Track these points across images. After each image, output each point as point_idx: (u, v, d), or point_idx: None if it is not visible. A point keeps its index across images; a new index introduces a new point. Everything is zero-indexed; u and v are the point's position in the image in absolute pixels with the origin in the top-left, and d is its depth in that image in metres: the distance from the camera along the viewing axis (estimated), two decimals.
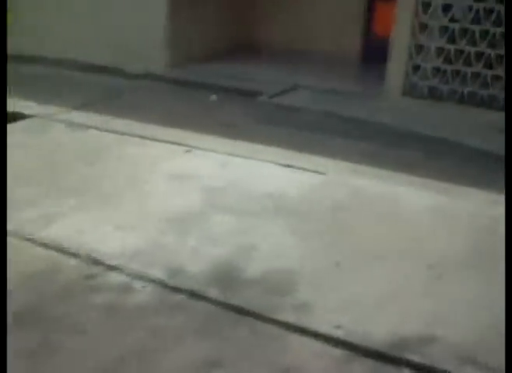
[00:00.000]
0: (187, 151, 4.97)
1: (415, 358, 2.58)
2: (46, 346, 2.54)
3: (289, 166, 4.70)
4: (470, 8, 5.74)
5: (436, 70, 6.03)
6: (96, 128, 5.47)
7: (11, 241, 3.11)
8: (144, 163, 4.65)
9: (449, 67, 5.96)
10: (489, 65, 5.81)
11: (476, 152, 5.16)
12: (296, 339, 2.70)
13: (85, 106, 6.20)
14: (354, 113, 5.76)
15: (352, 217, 3.86)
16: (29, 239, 3.38)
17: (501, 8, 5.59)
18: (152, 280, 3.04)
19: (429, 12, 5.87)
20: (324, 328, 2.75)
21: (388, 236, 3.64)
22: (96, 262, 3.19)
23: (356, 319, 2.82)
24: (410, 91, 6.17)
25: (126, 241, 3.43)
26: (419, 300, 3.02)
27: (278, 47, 8.47)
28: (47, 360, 2.47)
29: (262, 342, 2.67)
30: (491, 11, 5.65)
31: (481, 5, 5.66)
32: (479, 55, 5.82)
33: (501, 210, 4.10)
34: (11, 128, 4.87)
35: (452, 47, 5.88)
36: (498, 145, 5.27)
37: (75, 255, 3.22)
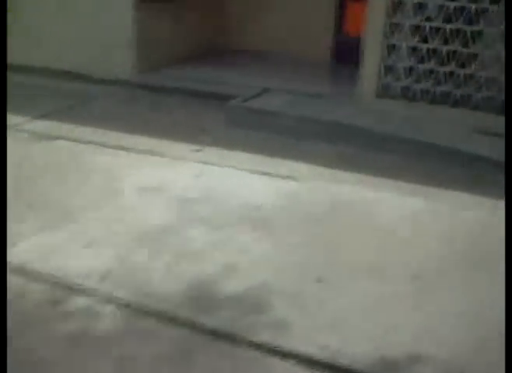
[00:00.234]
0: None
1: None
2: None
3: (264, 174, 4.56)
4: (441, 7, 5.65)
5: (409, 70, 5.93)
6: (63, 138, 5.26)
7: None
8: (114, 175, 4.46)
9: (422, 67, 5.87)
10: (461, 64, 5.74)
11: (454, 154, 5.08)
12: (277, 363, 2.55)
13: (50, 114, 5.98)
14: (328, 115, 5.63)
15: (332, 227, 3.74)
16: None
17: (472, 6, 5.52)
18: (122, 304, 2.86)
19: (401, 11, 5.76)
20: (307, 349, 2.61)
21: (370, 246, 3.52)
22: (63, 286, 3.00)
23: (342, 339, 2.69)
24: (383, 92, 6.07)
25: (95, 261, 3.25)
26: (406, 314, 2.90)
27: (250, 49, 8.34)
28: None
29: (241, 367, 2.52)
30: (462, 9, 5.57)
31: (452, 4, 5.57)
32: (452, 54, 5.74)
33: (486, 213, 4.05)
34: None
35: (425, 47, 5.78)
36: (476, 146, 5.22)
37: (39, 279, 3.03)
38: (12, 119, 5.62)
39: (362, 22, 6.21)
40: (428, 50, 5.79)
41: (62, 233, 3.55)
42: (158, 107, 6.35)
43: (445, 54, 5.75)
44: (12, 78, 7.01)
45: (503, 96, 5.64)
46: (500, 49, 5.51)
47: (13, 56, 7.10)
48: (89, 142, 5.15)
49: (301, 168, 4.72)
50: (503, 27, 5.44)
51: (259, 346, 2.61)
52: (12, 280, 2.98)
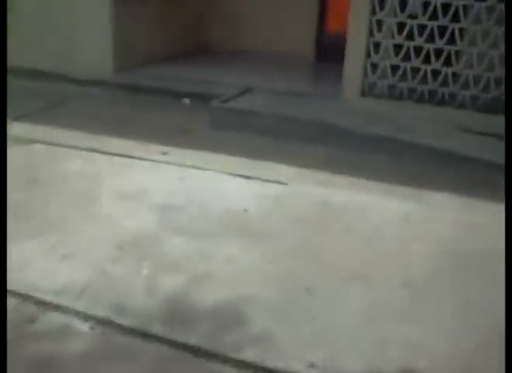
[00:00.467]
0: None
1: None
2: None
3: (248, 177, 4.42)
4: (427, 4, 5.54)
5: (395, 68, 5.82)
6: (39, 141, 5.08)
7: None
8: (92, 180, 4.29)
9: (408, 65, 5.76)
10: (448, 62, 5.64)
11: (443, 154, 4.97)
12: None
13: (26, 116, 5.78)
14: (312, 115, 5.50)
15: (320, 234, 3.60)
16: None
17: (458, 3, 5.41)
18: (99, 321, 2.70)
19: (386, 8, 5.64)
20: (293, 367, 2.47)
21: (359, 253, 3.40)
22: (38, 301, 2.84)
23: (331, 355, 2.56)
24: (369, 90, 5.96)
25: (73, 273, 3.08)
26: (397, 326, 2.77)
27: (232, 48, 8.19)
28: None
29: None
30: (448, 6, 5.46)
31: (438, 1, 5.46)
32: (438, 52, 5.63)
33: (477, 216, 3.94)
34: None
35: (411, 44, 5.67)
36: (464, 146, 5.12)
37: (11, 294, 2.85)
38: None
39: (345, 20, 6.09)
40: (414, 47, 5.68)
41: (37, 244, 3.37)
42: (137, 108, 6.18)
43: (431, 52, 5.64)
44: None
45: (487, 95, 5.55)
46: (485, 47, 5.42)
47: None
48: (66, 146, 4.97)
49: (287, 170, 4.59)
50: (488, 24, 5.35)
51: (242, 364, 2.47)
52: None
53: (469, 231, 3.77)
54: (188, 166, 4.60)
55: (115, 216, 3.73)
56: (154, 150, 4.91)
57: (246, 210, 3.83)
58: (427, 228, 3.77)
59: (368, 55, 5.85)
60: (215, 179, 4.39)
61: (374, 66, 5.89)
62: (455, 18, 5.46)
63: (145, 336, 2.62)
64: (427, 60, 5.68)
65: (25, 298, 2.87)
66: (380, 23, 5.74)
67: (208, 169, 4.54)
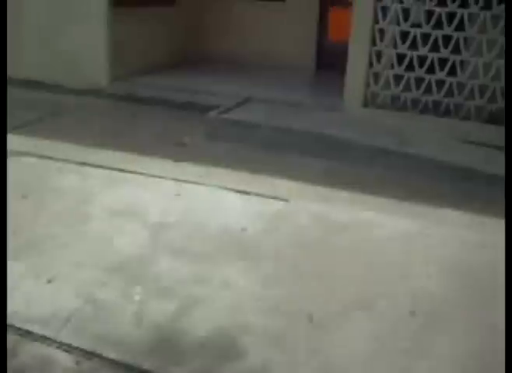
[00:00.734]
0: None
1: None
2: None
3: (246, 193, 4.24)
4: (431, 13, 5.38)
5: (399, 78, 5.65)
6: (30, 155, 4.89)
7: None
8: (83, 196, 4.11)
9: (412, 75, 5.59)
10: (453, 72, 5.47)
11: (447, 167, 4.80)
12: None
13: (19, 127, 5.60)
14: (313, 127, 5.33)
15: (322, 256, 3.41)
16: None
17: (464, 12, 5.25)
18: (85, 354, 2.51)
19: (389, 16, 5.48)
20: None
21: (363, 277, 3.21)
22: (20, 331, 2.65)
23: None
24: (371, 101, 5.79)
25: (59, 299, 2.90)
26: (405, 360, 2.58)
27: (230, 58, 8.03)
28: None
29: None
30: (453, 15, 5.30)
31: (443, 10, 5.30)
32: (443, 62, 5.47)
33: (484, 234, 3.76)
34: None
35: (415, 54, 5.51)
36: (467, 158, 4.94)
37: None
38: None
39: (346, 29, 5.94)
40: (417, 57, 5.51)
41: (22, 266, 3.19)
42: (132, 119, 6.01)
43: (435, 62, 5.48)
44: None
45: (493, 105, 5.39)
46: (491, 56, 5.25)
47: None
48: (59, 159, 4.79)
49: (287, 185, 4.41)
50: (494, 33, 5.19)
51: None
52: None
53: (476, 250, 3.59)
54: (184, 181, 4.41)
55: (106, 235, 3.54)
56: (149, 163, 4.73)
57: (244, 230, 3.65)
58: (432, 247, 3.58)
59: (370, 65, 5.70)
60: (211, 195, 4.21)
61: (377, 76, 5.74)
62: (460, 27, 5.30)
63: (135, 371, 2.42)
64: (431, 70, 5.53)
65: (7, 326, 2.67)
66: (382, 32, 5.58)
67: (204, 184, 4.36)
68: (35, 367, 2.44)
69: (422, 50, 5.49)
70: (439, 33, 5.39)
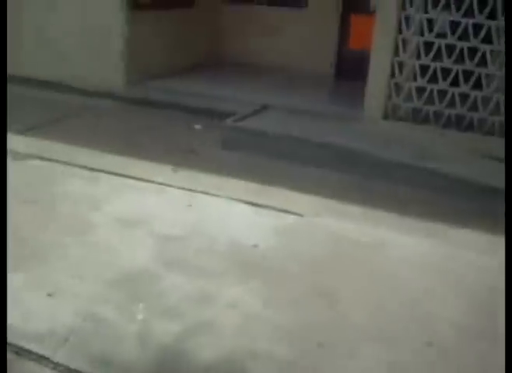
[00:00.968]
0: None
1: None
2: None
3: (260, 206, 4.08)
4: (457, 24, 5.19)
5: (421, 90, 5.46)
6: (39, 158, 4.79)
7: None
8: (90, 203, 3.98)
9: (435, 88, 5.40)
10: (478, 86, 5.27)
11: (468, 184, 4.60)
12: None
13: (32, 129, 5.52)
14: (330, 138, 5.16)
15: (335, 277, 3.24)
16: None
17: (491, 24, 5.05)
18: None
19: (413, 26, 5.30)
20: None
21: (377, 302, 3.03)
22: (17, 350, 2.51)
23: None
24: (392, 113, 5.60)
25: (58, 314, 2.76)
26: None
27: (248, 63, 7.88)
28: None
29: None
30: (480, 26, 5.11)
31: (470, 21, 5.11)
32: (468, 74, 5.27)
33: (500, 258, 3.55)
34: None
35: (438, 65, 5.32)
36: (488, 175, 4.74)
37: None
38: None
39: (367, 37, 5.77)
40: (441, 69, 5.32)
41: (23, 277, 3.05)
42: (145, 123, 5.89)
43: (460, 74, 5.28)
44: None
45: None
46: None
47: None
48: (67, 163, 4.68)
49: (301, 199, 4.25)
50: None
51: None
52: None
53: (497, 274, 3.39)
54: (196, 191, 4.27)
55: (111, 246, 3.41)
56: (160, 171, 4.60)
57: (255, 246, 3.49)
58: (451, 270, 3.40)
59: (392, 75, 5.50)
60: (223, 207, 4.06)
61: (398, 87, 5.55)
62: (487, 39, 5.10)
63: None
64: (455, 82, 5.33)
65: None
66: (405, 42, 5.40)
67: (217, 195, 4.22)
68: None
69: (447, 62, 5.29)
70: (464, 45, 5.19)
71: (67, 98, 6.54)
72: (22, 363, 2.45)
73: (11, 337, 2.53)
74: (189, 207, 3.99)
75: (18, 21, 6.88)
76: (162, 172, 4.58)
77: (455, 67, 5.28)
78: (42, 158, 4.75)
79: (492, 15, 5.04)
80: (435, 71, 5.36)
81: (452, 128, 5.44)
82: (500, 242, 3.72)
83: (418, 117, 5.54)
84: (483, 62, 5.19)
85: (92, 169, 4.57)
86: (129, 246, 3.41)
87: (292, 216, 3.97)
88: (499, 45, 5.07)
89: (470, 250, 3.65)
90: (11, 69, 6.55)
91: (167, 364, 2.48)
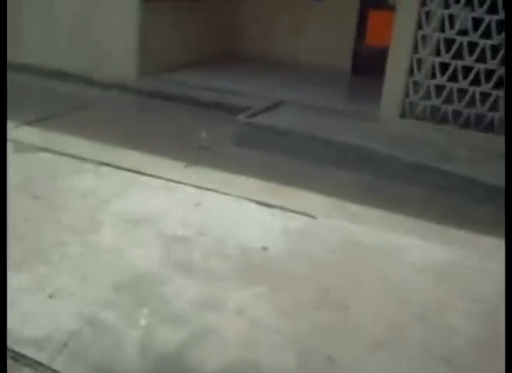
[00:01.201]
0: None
1: None
2: None
3: (271, 206, 3.95)
4: (480, 21, 5.01)
5: (440, 88, 5.29)
6: (47, 150, 4.70)
7: None
8: (96, 200, 3.87)
9: (455, 86, 5.22)
10: (499, 85, 5.09)
11: (489, 188, 4.43)
12: None
13: (40, 120, 5.42)
14: (346, 137, 5.01)
15: (348, 284, 3.11)
16: None
17: None
18: None
19: (434, 22, 5.13)
20: None
21: (391, 311, 2.90)
22: (13, 355, 2.41)
23: None
24: (409, 112, 5.44)
25: (58, 318, 2.66)
26: None
27: (263, 56, 7.73)
28: None
29: None
30: (502, 23, 4.92)
31: (493, 18, 4.93)
32: (489, 73, 5.10)
33: None
34: None
35: (459, 63, 5.14)
36: None
37: None
38: None
39: (385, 33, 5.61)
40: (462, 67, 5.15)
41: (24, 277, 2.95)
42: (156, 117, 5.77)
43: (481, 73, 5.10)
44: (11, 77, 6.50)
45: None
46: None
47: (18, 55, 6.57)
48: (76, 156, 4.58)
49: (315, 200, 4.12)
50: None
51: None
52: None
53: None
54: (205, 189, 4.15)
55: (117, 247, 3.30)
56: (170, 167, 4.49)
57: (265, 249, 3.37)
58: (472, 281, 3.26)
59: (411, 73, 5.34)
60: (233, 207, 3.94)
61: (417, 85, 5.38)
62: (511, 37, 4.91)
63: None
64: (476, 81, 5.15)
65: None
66: (425, 39, 5.23)
67: (227, 194, 4.09)
68: None
69: (468, 60, 5.12)
70: (487, 43, 5.01)
71: (76, 89, 6.45)
72: (19, 369, 2.35)
73: (7, 341, 2.43)
74: (198, 207, 3.87)
75: (26, 7, 6.80)
76: (170, 168, 4.47)
77: (476, 66, 5.10)
78: (47, 151, 4.66)
79: None
80: (455, 69, 5.19)
81: (471, 128, 5.27)
82: None
83: (436, 116, 5.37)
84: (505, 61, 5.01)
85: (99, 163, 4.47)
86: (134, 247, 3.30)
87: (304, 217, 3.84)
88: None
89: (494, 260, 3.48)
90: (19, 58, 6.52)
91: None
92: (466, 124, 5.27)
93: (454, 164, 4.76)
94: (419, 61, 5.30)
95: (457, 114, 5.29)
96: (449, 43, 5.16)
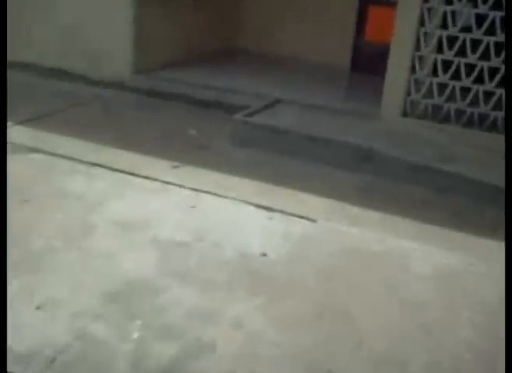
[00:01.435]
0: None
1: None
2: None
3: (271, 209, 3.82)
4: (483, 17, 4.88)
5: (443, 87, 5.16)
6: (40, 151, 4.55)
7: None
8: (88, 203, 3.74)
9: (457, 84, 5.10)
10: (503, 83, 4.96)
11: (494, 189, 4.31)
12: None
13: (33, 119, 5.27)
14: (346, 136, 4.88)
15: (351, 292, 2.99)
16: None
17: None
18: None
19: (436, 19, 4.99)
20: None
21: (396, 324, 2.78)
22: None
23: None
24: (411, 110, 5.31)
25: (46, 331, 2.53)
26: None
27: (262, 53, 7.58)
28: None
29: None
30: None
31: (497, 14, 4.79)
32: (493, 71, 4.97)
33: None
34: None
35: (462, 61, 5.01)
36: None
37: None
38: None
39: (386, 29, 5.48)
40: (465, 65, 5.02)
41: (14, 285, 2.82)
42: (153, 116, 5.63)
43: (485, 71, 4.98)
44: None
45: None
46: None
47: (11, 52, 6.39)
48: (69, 157, 4.44)
49: (315, 203, 3.99)
50: None
51: None
52: None
53: None
54: (202, 191, 4.02)
55: (109, 253, 3.16)
56: (165, 168, 4.35)
57: (264, 255, 3.24)
58: (480, 289, 3.13)
59: (413, 70, 5.21)
60: (231, 210, 3.81)
61: (419, 83, 5.25)
62: None
63: None
64: (480, 79, 5.02)
65: None
66: (427, 36, 5.10)
67: (224, 196, 3.96)
68: None
69: (471, 58, 4.99)
70: (491, 40, 4.88)
71: (72, 88, 6.30)
72: None
73: None
74: (194, 210, 3.74)
75: (21, 4, 6.64)
76: (165, 169, 4.33)
77: (480, 64, 4.97)
78: (39, 151, 4.51)
79: None
80: (458, 67, 5.06)
81: (474, 128, 5.15)
82: None
83: (438, 115, 5.25)
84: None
85: (92, 164, 4.33)
86: (128, 253, 3.17)
87: (303, 221, 3.71)
88: None
89: (499, 265, 3.36)
90: (13, 55, 6.36)
91: None
92: (469, 123, 5.15)
93: (456, 164, 4.64)
94: (421, 59, 5.17)
95: (459, 113, 5.16)
96: (452, 40, 5.03)
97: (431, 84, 5.19)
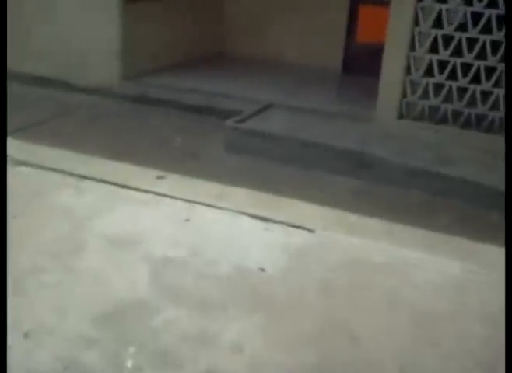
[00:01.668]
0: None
1: None
2: None
3: (267, 220, 3.68)
4: (479, 16, 4.76)
5: (439, 87, 5.05)
6: (26, 164, 4.39)
7: None
8: (77, 219, 3.59)
9: (454, 85, 4.98)
10: (500, 83, 4.86)
11: (495, 192, 4.19)
12: None
13: (19, 130, 5.10)
14: (342, 141, 4.76)
15: (353, 308, 2.86)
16: None
17: None
18: None
19: (431, 18, 4.88)
20: None
21: (402, 340, 2.65)
22: None
23: None
24: (407, 112, 5.19)
25: (33, 361, 2.39)
26: None
27: (253, 57, 7.43)
28: None
29: None
30: (503, 18, 4.68)
31: (493, 12, 4.68)
32: (490, 71, 4.86)
33: None
34: None
35: (458, 61, 4.90)
36: None
37: None
38: None
39: (377, 29, 5.36)
40: (461, 64, 4.90)
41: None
42: (142, 123, 5.48)
43: (481, 70, 4.86)
44: None
45: None
46: None
47: None
48: (56, 170, 4.28)
49: (313, 211, 3.86)
50: None
51: None
52: None
53: None
54: (195, 202, 3.88)
55: (99, 272, 3.02)
56: (154, 179, 4.20)
57: (262, 270, 3.11)
58: (487, 301, 3.01)
59: (408, 71, 5.08)
60: (226, 222, 3.67)
61: (414, 84, 5.13)
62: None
63: None
64: (476, 79, 4.91)
65: None
66: (422, 36, 4.98)
67: (218, 208, 3.82)
68: None
69: (467, 57, 4.87)
70: (487, 38, 4.77)
71: (59, 95, 6.13)
72: None
73: None
74: (188, 223, 3.60)
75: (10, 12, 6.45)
76: (156, 179, 4.18)
77: (476, 63, 4.86)
78: (26, 164, 4.36)
79: None
80: (454, 67, 4.94)
81: (472, 129, 5.03)
82: None
83: (435, 117, 5.13)
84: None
85: (80, 177, 4.18)
86: (119, 272, 3.03)
87: (302, 232, 3.58)
88: None
89: (496, 269, 3.25)
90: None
91: None
92: (466, 124, 5.04)
93: (454, 167, 4.53)
94: (416, 59, 5.05)
95: (456, 114, 5.05)
96: (447, 39, 4.91)
97: (427, 85, 5.07)
